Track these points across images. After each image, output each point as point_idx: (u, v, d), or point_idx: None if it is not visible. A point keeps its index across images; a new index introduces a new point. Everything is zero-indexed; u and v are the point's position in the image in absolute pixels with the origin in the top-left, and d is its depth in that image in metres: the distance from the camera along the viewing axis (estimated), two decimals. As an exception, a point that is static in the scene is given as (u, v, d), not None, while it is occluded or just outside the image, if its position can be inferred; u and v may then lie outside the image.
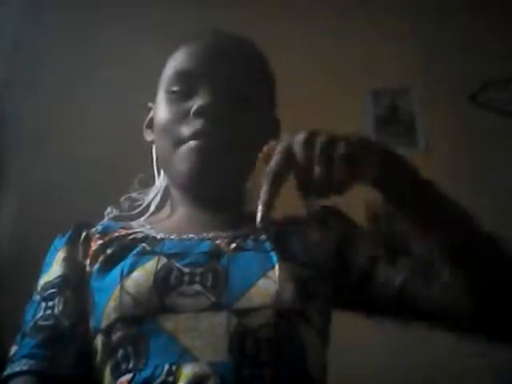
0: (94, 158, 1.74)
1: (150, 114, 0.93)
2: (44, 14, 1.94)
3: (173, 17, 1.92)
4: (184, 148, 0.82)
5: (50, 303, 0.79)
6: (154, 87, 0.93)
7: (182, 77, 0.86)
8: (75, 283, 0.81)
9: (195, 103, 0.82)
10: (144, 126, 0.95)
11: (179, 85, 0.85)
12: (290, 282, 0.75)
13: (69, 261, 0.83)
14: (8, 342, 0.80)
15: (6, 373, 0.75)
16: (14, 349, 0.77)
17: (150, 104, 0.94)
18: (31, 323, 0.78)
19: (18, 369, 0.74)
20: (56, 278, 0.82)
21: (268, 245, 0.81)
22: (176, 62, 0.87)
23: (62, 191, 1.73)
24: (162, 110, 0.86)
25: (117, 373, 0.72)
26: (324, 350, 0.80)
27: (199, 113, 0.81)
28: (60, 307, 0.79)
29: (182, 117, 0.83)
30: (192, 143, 0.81)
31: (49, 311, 0.79)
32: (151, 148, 0.92)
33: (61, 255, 0.84)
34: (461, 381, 1.68)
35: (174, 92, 0.86)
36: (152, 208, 0.93)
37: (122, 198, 0.95)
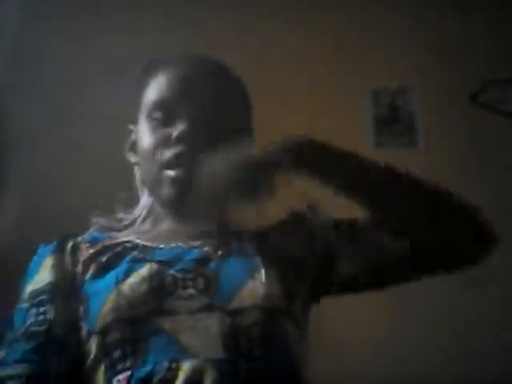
0: (94, 158, 1.74)
1: (132, 137, 0.96)
2: (44, 13, 1.94)
3: (174, 17, 1.92)
4: (166, 174, 0.86)
5: (41, 309, 0.80)
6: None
7: (163, 104, 0.89)
8: (65, 291, 0.82)
9: (175, 129, 0.86)
10: (127, 148, 0.97)
11: (160, 112, 0.89)
12: (276, 282, 0.80)
13: (57, 268, 0.85)
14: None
15: None
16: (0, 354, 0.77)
17: (131, 126, 0.96)
18: (22, 329, 0.79)
19: (10, 372, 0.74)
20: (45, 285, 0.83)
21: (251, 250, 0.85)
22: (156, 88, 0.91)
23: (61, 191, 1.74)
24: (145, 136, 0.90)
25: (111, 373, 0.73)
26: (304, 344, 0.84)
27: (179, 139, 0.85)
28: (52, 315, 0.80)
29: (164, 142, 0.87)
30: (171, 172, 0.85)
31: (41, 317, 0.80)
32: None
33: (49, 262, 0.85)
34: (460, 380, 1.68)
35: (155, 119, 0.89)
36: (138, 222, 0.95)
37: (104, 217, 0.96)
